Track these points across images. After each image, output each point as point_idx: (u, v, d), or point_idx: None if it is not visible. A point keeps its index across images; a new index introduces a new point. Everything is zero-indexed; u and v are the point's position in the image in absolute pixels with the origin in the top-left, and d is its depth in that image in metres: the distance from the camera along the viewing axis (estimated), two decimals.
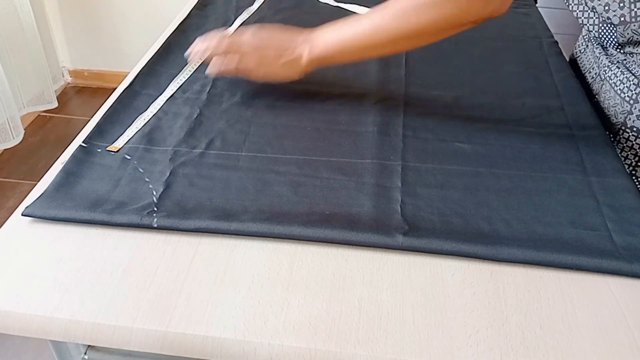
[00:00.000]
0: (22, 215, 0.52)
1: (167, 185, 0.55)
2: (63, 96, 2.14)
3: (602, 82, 0.76)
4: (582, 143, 0.64)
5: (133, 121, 0.66)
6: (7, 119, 1.69)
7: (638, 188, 0.58)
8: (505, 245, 0.49)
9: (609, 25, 0.71)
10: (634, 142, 0.69)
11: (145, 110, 0.68)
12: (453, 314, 0.44)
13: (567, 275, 0.48)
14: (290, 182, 0.57)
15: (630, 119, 0.69)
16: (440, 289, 0.47)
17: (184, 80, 0.75)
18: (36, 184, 0.56)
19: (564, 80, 0.77)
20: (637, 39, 0.69)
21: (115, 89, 0.72)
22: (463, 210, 0.53)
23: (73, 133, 0.66)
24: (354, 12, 0.96)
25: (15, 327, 0.44)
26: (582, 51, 0.87)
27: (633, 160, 0.70)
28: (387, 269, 0.48)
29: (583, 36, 0.88)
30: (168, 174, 0.57)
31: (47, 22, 2.03)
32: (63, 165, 0.58)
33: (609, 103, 0.73)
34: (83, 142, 0.61)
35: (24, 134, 1.80)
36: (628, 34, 0.69)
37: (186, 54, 0.71)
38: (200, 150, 0.61)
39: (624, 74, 0.71)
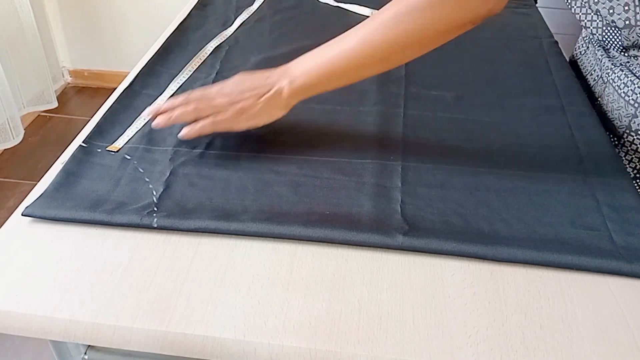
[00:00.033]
0: (22, 215, 0.52)
1: (167, 185, 0.55)
2: (63, 96, 2.14)
3: (604, 85, 0.75)
4: (582, 143, 0.64)
5: (133, 121, 0.66)
6: (7, 119, 1.69)
7: None
8: (505, 245, 0.49)
9: (613, 29, 0.71)
10: (638, 146, 0.69)
11: (145, 110, 0.68)
12: (453, 314, 0.44)
13: (567, 275, 0.48)
14: (290, 182, 0.57)
15: (635, 122, 0.68)
16: (440, 289, 0.47)
17: (184, 80, 0.75)
18: (36, 184, 0.56)
19: (564, 80, 0.77)
20: None
21: (115, 89, 0.72)
22: (463, 210, 0.53)
23: (73, 133, 0.66)
24: (354, 12, 0.96)
25: (15, 327, 0.44)
26: (582, 53, 0.86)
27: (638, 164, 0.70)
28: (387, 269, 0.48)
29: (583, 37, 0.87)
30: (168, 174, 0.57)
31: (47, 22, 2.03)
32: (63, 165, 0.58)
33: (612, 106, 0.73)
34: (83, 142, 0.61)
35: (24, 134, 1.80)
36: (633, 37, 0.68)
37: (148, 113, 0.61)
38: (200, 150, 0.61)
39: (627, 77, 0.70)
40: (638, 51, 0.70)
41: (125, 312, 0.44)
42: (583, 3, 0.74)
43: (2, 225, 0.52)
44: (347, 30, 0.55)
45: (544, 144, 0.64)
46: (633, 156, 0.70)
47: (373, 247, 0.50)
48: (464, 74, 0.79)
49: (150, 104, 0.69)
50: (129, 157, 0.59)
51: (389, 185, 0.56)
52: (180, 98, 0.59)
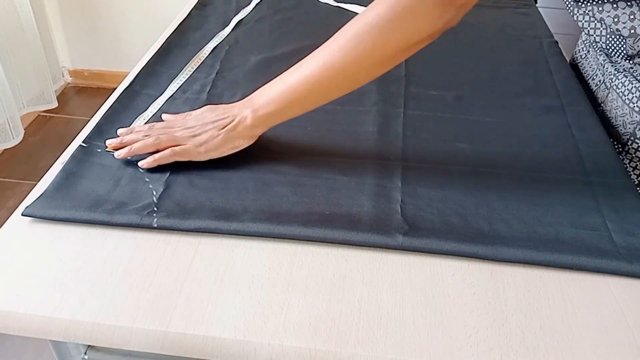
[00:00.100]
0: (22, 215, 0.52)
1: (167, 185, 0.55)
2: (63, 96, 2.14)
3: (607, 91, 0.75)
4: (582, 143, 0.64)
5: (133, 121, 0.66)
6: (7, 119, 1.69)
7: None
8: (505, 245, 0.49)
9: (617, 37, 0.70)
10: None
11: (145, 110, 0.68)
12: (453, 314, 0.44)
13: (567, 275, 0.48)
14: (290, 182, 0.57)
15: None
16: (440, 289, 0.47)
17: (183, 80, 0.75)
18: (36, 184, 0.56)
19: (564, 80, 0.77)
20: None
21: (115, 89, 0.72)
22: (463, 210, 0.53)
23: (73, 133, 0.66)
24: (355, 12, 0.96)
25: (15, 327, 0.44)
26: (583, 56, 0.86)
27: None
28: (387, 269, 0.48)
29: (583, 41, 0.87)
30: (168, 174, 0.57)
31: (47, 22, 2.03)
32: (63, 165, 0.58)
33: (616, 112, 0.72)
34: (83, 142, 0.61)
35: (24, 134, 1.80)
36: (638, 46, 0.68)
37: (109, 144, 0.60)
38: None
39: (632, 84, 0.69)
40: None
41: (125, 312, 0.44)
42: (587, 11, 0.74)
43: (2, 225, 0.52)
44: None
45: (544, 144, 0.64)
46: (637, 163, 0.69)
47: (373, 247, 0.50)
48: (464, 74, 0.79)
49: (150, 104, 0.69)
50: (129, 157, 0.59)
51: (389, 185, 0.56)
52: (143, 129, 0.60)
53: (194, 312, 0.44)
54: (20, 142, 1.77)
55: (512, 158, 0.61)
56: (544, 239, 0.50)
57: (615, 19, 0.69)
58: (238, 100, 0.61)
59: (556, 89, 0.75)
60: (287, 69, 0.57)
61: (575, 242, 0.50)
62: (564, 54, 0.85)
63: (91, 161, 0.59)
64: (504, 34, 0.91)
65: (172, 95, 0.71)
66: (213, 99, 0.70)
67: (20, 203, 0.54)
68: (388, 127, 0.66)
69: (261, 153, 0.61)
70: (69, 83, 2.22)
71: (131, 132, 0.60)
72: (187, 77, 0.75)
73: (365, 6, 0.52)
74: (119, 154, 0.58)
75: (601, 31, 0.73)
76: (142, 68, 0.77)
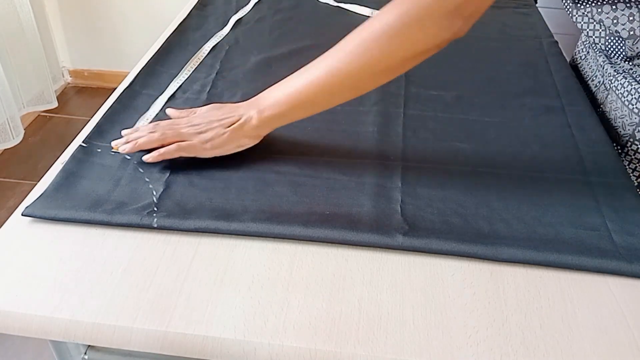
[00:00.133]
0: (22, 215, 0.52)
1: (167, 185, 0.55)
2: (63, 96, 2.14)
3: (607, 92, 0.74)
4: (582, 143, 0.64)
5: (134, 122, 0.66)
6: (7, 119, 1.69)
7: None
8: (505, 245, 0.49)
9: (616, 39, 0.70)
10: None
11: (147, 110, 0.68)
12: (453, 314, 0.44)
13: (567, 275, 0.48)
14: (290, 182, 0.57)
15: (639, 131, 0.68)
16: (440, 289, 0.47)
17: (184, 80, 0.75)
18: (36, 184, 0.56)
19: (564, 80, 0.77)
20: None
21: (115, 89, 0.72)
22: (463, 210, 0.53)
23: (73, 133, 0.66)
24: (354, 12, 0.96)
25: (15, 327, 0.44)
26: (583, 57, 0.86)
27: None
28: (387, 269, 0.48)
29: (583, 42, 0.87)
30: (168, 174, 0.57)
31: (47, 22, 2.03)
32: (63, 165, 0.58)
33: (615, 114, 0.72)
34: (83, 142, 0.61)
35: (24, 134, 1.80)
36: (637, 47, 0.68)
37: (115, 144, 0.61)
38: None
39: (631, 85, 0.69)
40: None
41: (125, 312, 0.44)
42: (586, 12, 0.74)
43: (2, 225, 0.52)
44: (333, 45, 0.55)
45: (544, 144, 0.64)
46: (637, 165, 0.69)
47: (373, 247, 0.50)
48: (464, 74, 0.79)
49: (150, 104, 0.69)
50: (129, 157, 0.59)
51: (389, 185, 0.56)
52: (148, 126, 0.60)
53: (194, 312, 0.44)
54: (20, 142, 1.77)
55: (512, 158, 0.61)
56: (544, 239, 0.50)
57: (615, 21, 0.69)
58: (238, 100, 0.61)
59: (556, 89, 0.75)
60: (287, 68, 0.57)
61: (575, 242, 0.50)
62: (564, 54, 0.85)
63: (91, 161, 0.59)
64: (504, 34, 0.91)
65: (172, 95, 0.71)
66: (213, 99, 0.70)
67: (20, 203, 0.54)
68: (388, 127, 0.66)
69: (261, 153, 0.61)
70: (69, 83, 2.22)
71: (136, 132, 0.60)
72: (187, 77, 0.75)
73: (365, 6, 0.52)
74: (124, 149, 0.58)
75: (600, 32, 0.73)
76: (142, 68, 0.77)
